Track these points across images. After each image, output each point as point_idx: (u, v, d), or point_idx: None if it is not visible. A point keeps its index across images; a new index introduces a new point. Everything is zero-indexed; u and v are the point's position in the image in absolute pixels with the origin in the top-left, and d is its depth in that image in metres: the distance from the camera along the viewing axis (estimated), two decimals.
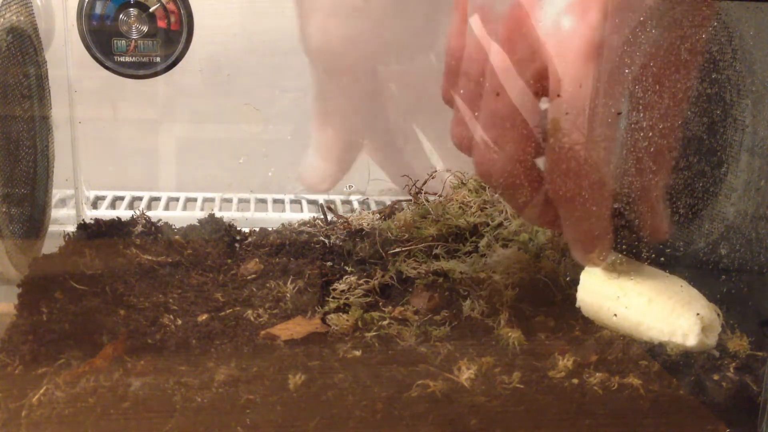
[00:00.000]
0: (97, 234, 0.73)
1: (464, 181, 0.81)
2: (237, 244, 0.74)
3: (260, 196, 0.90)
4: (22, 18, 0.71)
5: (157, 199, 0.91)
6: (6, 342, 0.55)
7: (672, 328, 0.57)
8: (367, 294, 0.63)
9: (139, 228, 0.75)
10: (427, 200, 0.78)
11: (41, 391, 0.49)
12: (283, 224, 0.79)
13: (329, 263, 0.67)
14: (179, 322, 0.59)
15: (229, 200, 0.90)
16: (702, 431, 0.52)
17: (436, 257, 0.67)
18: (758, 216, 0.70)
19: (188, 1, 0.74)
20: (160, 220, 0.78)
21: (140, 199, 0.91)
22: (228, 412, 0.49)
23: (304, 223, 0.78)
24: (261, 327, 0.58)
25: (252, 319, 0.60)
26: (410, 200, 0.79)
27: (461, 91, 0.54)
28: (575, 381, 0.54)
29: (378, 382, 0.52)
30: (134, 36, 0.75)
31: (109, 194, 0.91)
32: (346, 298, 0.62)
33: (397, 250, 0.67)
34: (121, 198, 0.91)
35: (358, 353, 0.56)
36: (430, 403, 0.50)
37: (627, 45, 0.50)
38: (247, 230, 0.77)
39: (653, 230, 0.57)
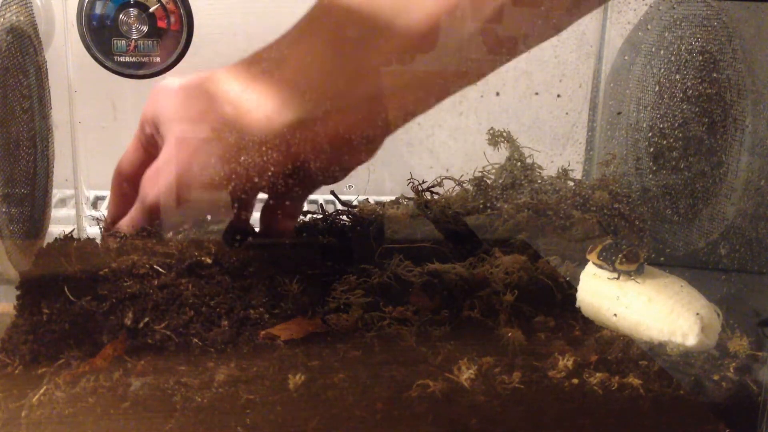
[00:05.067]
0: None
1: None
2: (237, 244, 0.73)
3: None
4: (22, 18, 0.71)
5: None
6: (6, 342, 0.55)
7: (672, 328, 0.57)
8: (367, 294, 0.63)
9: None
10: (430, 200, 0.78)
11: (41, 391, 0.49)
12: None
13: (329, 263, 0.67)
14: None
15: None
16: (702, 431, 0.52)
17: (430, 260, 0.67)
18: (758, 216, 0.70)
19: (188, 1, 0.75)
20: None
21: None
22: (228, 412, 0.49)
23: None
24: (261, 327, 0.58)
25: (252, 318, 0.60)
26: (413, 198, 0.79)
27: None
28: (575, 381, 0.54)
29: (378, 382, 0.52)
30: (134, 36, 0.75)
31: (109, 194, 0.91)
32: (346, 298, 0.62)
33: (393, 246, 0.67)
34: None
35: (358, 353, 0.56)
36: (430, 403, 0.50)
37: None
38: None
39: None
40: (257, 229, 0.69)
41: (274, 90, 0.60)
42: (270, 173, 0.61)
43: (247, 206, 0.66)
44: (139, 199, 0.64)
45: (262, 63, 0.62)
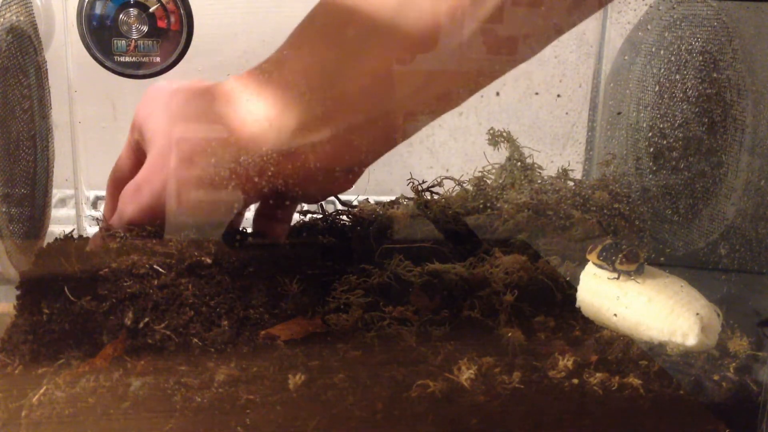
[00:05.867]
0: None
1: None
2: (237, 244, 0.74)
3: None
4: (22, 18, 0.71)
5: None
6: (6, 342, 0.55)
7: (672, 328, 0.57)
8: (367, 294, 0.63)
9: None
10: (430, 200, 0.79)
11: (41, 391, 0.49)
12: None
13: (329, 263, 0.67)
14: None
15: None
16: (702, 431, 0.52)
17: (430, 260, 0.67)
18: (758, 216, 0.70)
19: (188, 1, 0.74)
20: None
21: None
22: (228, 412, 0.49)
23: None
24: (261, 327, 0.58)
25: (252, 318, 0.60)
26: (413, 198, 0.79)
27: None
28: (575, 381, 0.54)
29: (378, 382, 0.52)
30: (134, 36, 0.75)
31: None
32: (346, 298, 0.62)
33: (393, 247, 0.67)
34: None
35: (358, 353, 0.56)
36: (430, 403, 0.50)
37: None
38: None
39: None
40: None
41: (271, 110, 0.60)
42: (262, 189, 0.61)
43: (234, 220, 0.65)
44: (117, 213, 0.64)
45: (260, 80, 0.61)
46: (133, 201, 0.62)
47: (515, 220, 0.74)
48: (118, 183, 0.67)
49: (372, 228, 0.72)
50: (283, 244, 0.68)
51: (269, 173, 0.60)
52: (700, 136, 0.75)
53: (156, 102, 0.63)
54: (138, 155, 0.65)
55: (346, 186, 0.65)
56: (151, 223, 0.61)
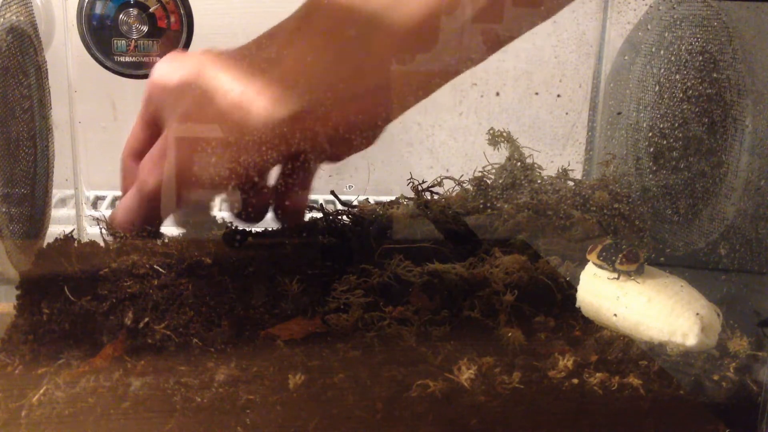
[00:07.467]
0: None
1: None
2: (237, 244, 0.74)
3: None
4: (22, 18, 0.71)
5: None
6: (6, 342, 0.55)
7: (672, 328, 0.57)
8: (367, 294, 0.63)
9: None
10: (430, 200, 0.79)
11: (41, 391, 0.49)
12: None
13: (329, 263, 0.67)
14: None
15: None
16: (702, 431, 0.52)
17: (430, 260, 0.67)
18: (758, 216, 0.70)
19: (188, 1, 0.75)
20: None
21: None
22: (228, 412, 0.49)
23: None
24: (261, 327, 0.58)
25: (252, 318, 0.60)
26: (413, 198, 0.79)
27: None
28: (575, 381, 0.54)
29: (378, 382, 0.52)
30: (134, 36, 0.75)
31: (109, 194, 0.91)
32: (346, 298, 0.62)
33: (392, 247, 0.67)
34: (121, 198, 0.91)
35: (358, 353, 0.56)
36: (430, 403, 0.50)
37: None
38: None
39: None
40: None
41: (274, 79, 0.60)
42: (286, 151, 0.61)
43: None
44: (139, 185, 0.63)
45: (265, 51, 0.61)
46: (157, 168, 0.61)
47: (515, 220, 0.74)
48: (133, 159, 0.66)
49: (372, 228, 0.72)
50: (283, 243, 0.68)
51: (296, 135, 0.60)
52: (700, 136, 0.75)
53: (174, 74, 0.62)
54: (154, 129, 0.64)
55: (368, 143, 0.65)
56: (176, 194, 0.61)
